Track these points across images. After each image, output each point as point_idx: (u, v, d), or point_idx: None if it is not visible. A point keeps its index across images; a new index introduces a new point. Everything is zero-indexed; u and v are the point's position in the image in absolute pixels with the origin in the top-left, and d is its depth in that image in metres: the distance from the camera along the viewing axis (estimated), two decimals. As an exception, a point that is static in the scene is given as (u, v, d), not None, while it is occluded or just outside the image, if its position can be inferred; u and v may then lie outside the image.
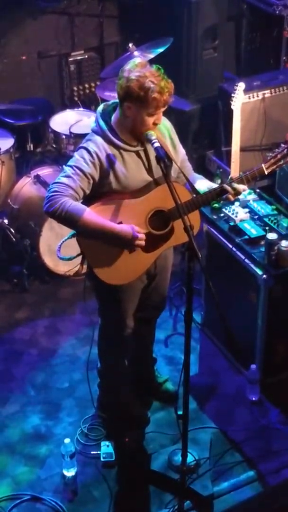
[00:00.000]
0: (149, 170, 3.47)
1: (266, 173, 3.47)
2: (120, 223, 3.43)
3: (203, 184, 3.60)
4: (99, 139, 3.40)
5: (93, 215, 3.36)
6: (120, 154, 3.41)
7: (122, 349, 3.94)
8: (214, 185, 3.59)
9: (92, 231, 3.39)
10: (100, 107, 3.50)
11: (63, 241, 3.65)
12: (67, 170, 3.40)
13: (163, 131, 3.52)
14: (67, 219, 3.35)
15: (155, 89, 3.24)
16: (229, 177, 3.49)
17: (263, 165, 3.46)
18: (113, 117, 3.43)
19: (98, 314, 3.88)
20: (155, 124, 3.35)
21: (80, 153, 3.41)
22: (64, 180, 3.36)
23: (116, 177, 3.41)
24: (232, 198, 3.50)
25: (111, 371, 4.03)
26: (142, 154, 3.46)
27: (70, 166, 3.40)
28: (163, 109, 3.34)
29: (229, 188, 3.44)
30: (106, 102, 3.51)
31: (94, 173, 3.38)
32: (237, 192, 3.47)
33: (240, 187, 3.46)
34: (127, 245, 3.43)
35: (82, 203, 3.40)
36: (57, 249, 3.68)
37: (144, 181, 3.47)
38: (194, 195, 3.50)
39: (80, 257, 3.57)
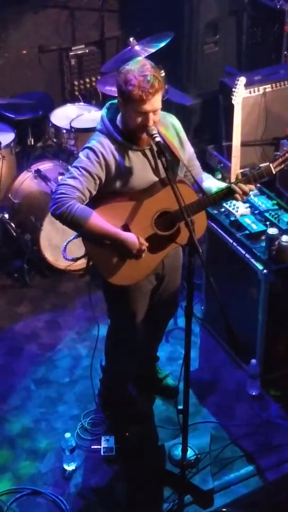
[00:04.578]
0: (155, 170, 3.44)
1: (274, 172, 3.43)
2: (126, 225, 3.41)
3: (211, 184, 3.58)
4: (104, 138, 3.37)
5: (99, 219, 3.34)
6: (126, 153, 3.37)
7: (130, 350, 3.91)
8: (222, 184, 3.56)
9: (96, 236, 3.38)
10: (105, 106, 3.46)
11: (69, 241, 3.63)
12: (73, 171, 3.35)
13: (170, 130, 3.49)
14: (73, 222, 3.33)
15: (133, 82, 3.20)
16: (237, 175, 3.46)
17: (271, 164, 3.43)
18: (118, 116, 3.40)
19: (108, 316, 3.87)
20: (144, 125, 3.28)
21: (85, 154, 3.37)
22: (71, 181, 3.33)
23: (122, 177, 3.39)
24: (239, 199, 3.46)
25: (116, 370, 4.03)
26: (148, 153, 3.43)
27: (76, 167, 3.36)
28: (149, 109, 3.25)
29: (237, 189, 3.41)
30: (111, 101, 3.48)
31: (100, 173, 3.36)
32: (244, 193, 3.43)
33: (248, 187, 3.43)
34: (129, 253, 3.41)
35: (88, 203, 3.39)
36: (63, 249, 3.66)
37: (150, 181, 3.44)
38: (201, 195, 3.48)
39: (86, 257, 3.56)
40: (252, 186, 3.45)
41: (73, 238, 3.60)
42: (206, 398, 4.26)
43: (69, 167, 3.43)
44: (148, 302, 3.75)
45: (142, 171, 3.42)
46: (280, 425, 4.09)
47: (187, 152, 3.58)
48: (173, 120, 3.53)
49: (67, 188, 3.32)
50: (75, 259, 3.61)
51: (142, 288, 3.66)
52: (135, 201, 3.41)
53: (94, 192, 3.38)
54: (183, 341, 3.54)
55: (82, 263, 3.72)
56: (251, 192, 4.27)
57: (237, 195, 3.42)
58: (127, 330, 3.80)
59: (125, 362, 3.97)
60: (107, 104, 3.47)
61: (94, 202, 3.40)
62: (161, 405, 4.22)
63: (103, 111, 3.45)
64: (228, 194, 3.43)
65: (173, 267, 3.75)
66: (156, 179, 3.45)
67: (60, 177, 4.85)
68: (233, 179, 4.55)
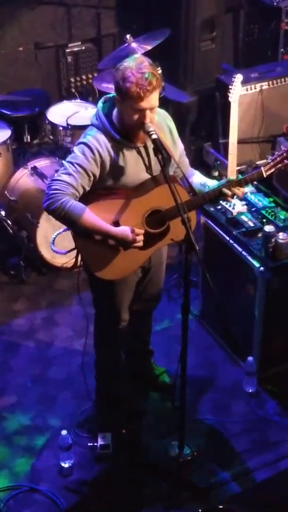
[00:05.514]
0: (149, 168, 3.45)
1: (265, 176, 3.48)
2: (117, 222, 3.42)
3: (200, 180, 3.61)
4: (100, 134, 3.36)
5: (92, 215, 3.35)
6: (121, 150, 3.37)
7: (117, 341, 3.94)
8: (209, 181, 3.59)
9: (90, 232, 3.39)
10: (101, 101, 3.46)
11: (58, 234, 3.64)
12: (68, 166, 3.35)
13: (164, 128, 3.49)
14: (67, 218, 3.33)
15: (131, 79, 3.20)
16: (228, 178, 3.49)
17: (262, 168, 3.47)
18: (114, 112, 3.40)
19: (93, 307, 3.88)
20: (141, 122, 3.28)
21: (80, 149, 3.36)
22: (65, 177, 3.33)
23: (115, 174, 3.39)
24: (230, 200, 3.51)
25: (107, 363, 4.04)
26: (142, 151, 3.43)
27: (71, 163, 3.36)
28: (146, 106, 3.24)
29: (228, 192, 3.44)
30: (106, 95, 3.47)
31: (95, 170, 3.35)
32: (235, 195, 3.47)
33: (239, 190, 3.45)
34: (124, 246, 3.43)
35: (80, 199, 3.39)
36: (51, 242, 3.68)
37: (142, 178, 3.45)
38: (191, 194, 3.50)
39: (75, 251, 3.57)
40: (243, 189, 3.49)
41: (62, 231, 3.60)
42: (203, 395, 4.26)
43: (64, 161, 3.42)
44: (133, 293, 3.77)
45: (136, 168, 3.43)
46: (276, 422, 4.09)
47: (178, 149, 3.59)
48: (166, 118, 3.53)
49: (62, 184, 3.32)
50: (65, 253, 3.62)
51: (128, 281, 3.69)
52: (127, 199, 3.42)
53: (87, 189, 3.39)
54: (180, 338, 3.55)
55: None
56: (247, 190, 4.31)
57: (228, 197, 3.47)
58: (112, 321, 3.82)
59: (113, 354, 3.98)
60: (103, 98, 3.46)
61: (86, 197, 3.40)
62: (158, 402, 4.22)
63: (99, 105, 3.44)
64: (219, 195, 3.47)
65: (158, 260, 3.79)
66: (149, 177, 3.46)
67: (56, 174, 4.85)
68: (229, 176, 4.57)
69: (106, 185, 3.42)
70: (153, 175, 3.46)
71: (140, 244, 3.43)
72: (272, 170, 3.49)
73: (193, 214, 3.51)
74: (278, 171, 3.51)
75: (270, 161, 3.49)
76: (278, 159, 3.48)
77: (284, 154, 3.48)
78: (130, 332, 3.94)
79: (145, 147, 3.43)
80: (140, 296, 3.85)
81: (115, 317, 3.80)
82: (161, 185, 3.40)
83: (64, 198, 3.30)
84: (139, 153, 3.43)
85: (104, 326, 3.89)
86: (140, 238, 3.41)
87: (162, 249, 3.76)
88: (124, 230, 3.39)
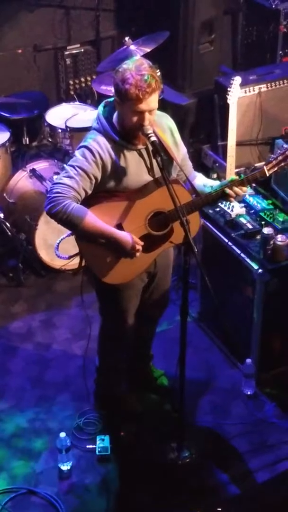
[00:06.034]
0: (150, 169, 3.45)
1: (267, 174, 3.47)
2: (120, 224, 3.41)
3: (203, 182, 3.61)
4: (101, 137, 3.36)
5: (94, 218, 3.34)
6: (122, 152, 3.37)
7: (122, 348, 3.93)
8: (211, 181, 3.59)
9: (92, 235, 3.38)
10: (101, 105, 3.46)
11: (62, 239, 3.64)
12: (69, 170, 3.35)
13: (165, 130, 3.49)
14: (69, 221, 3.32)
15: (130, 81, 3.20)
16: (231, 177, 3.49)
17: (264, 167, 3.46)
18: (114, 115, 3.40)
19: (99, 313, 3.87)
20: (140, 124, 3.28)
21: (81, 153, 3.36)
22: (67, 181, 3.32)
23: (117, 176, 3.39)
24: (232, 200, 3.51)
25: (110, 369, 4.03)
26: (144, 152, 3.43)
27: (72, 166, 3.35)
28: (145, 109, 3.25)
29: (231, 192, 3.44)
30: (107, 99, 3.48)
31: (96, 173, 3.35)
32: (238, 195, 3.47)
33: (242, 190, 3.45)
34: (124, 252, 3.41)
35: (82, 202, 3.38)
36: (55, 247, 3.67)
37: (144, 180, 3.44)
38: (194, 195, 3.49)
39: (79, 256, 3.56)
40: (246, 189, 3.48)
41: (66, 236, 3.60)
42: (201, 397, 4.26)
43: (65, 165, 3.42)
44: (139, 299, 3.76)
45: (137, 170, 3.42)
46: (275, 424, 4.09)
47: (181, 152, 3.59)
48: (168, 121, 3.53)
49: (63, 188, 3.31)
50: (68, 257, 3.61)
51: (134, 287, 3.67)
52: (129, 201, 3.42)
53: (89, 192, 3.38)
54: (178, 340, 3.54)
55: (77, 262, 3.72)
56: (246, 192, 4.30)
57: (230, 197, 3.46)
58: (119, 327, 3.81)
59: (116, 359, 3.98)
60: (104, 102, 3.46)
61: (88, 200, 3.40)
62: (156, 404, 4.22)
63: (100, 109, 3.44)
64: (221, 196, 3.47)
65: (164, 264, 3.77)
66: (151, 179, 3.46)
67: (55, 177, 4.85)
68: (228, 177, 4.57)
69: (108, 187, 3.41)
70: (155, 177, 3.46)
71: (138, 254, 3.42)
72: (275, 169, 3.47)
73: (197, 217, 3.50)
74: (280, 170, 3.50)
75: (272, 159, 3.48)
76: (280, 157, 3.47)
77: (287, 153, 3.48)
78: (134, 338, 3.93)
79: (147, 149, 3.42)
80: (146, 302, 3.84)
81: (121, 323, 3.78)
82: (163, 187, 3.39)
83: (65, 201, 3.29)
84: (140, 155, 3.43)
85: (110, 332, 3.88)
86: (139, 247, 3.41)
87: (168, 253, 3.75)
88: (125, 235, 3.39)
